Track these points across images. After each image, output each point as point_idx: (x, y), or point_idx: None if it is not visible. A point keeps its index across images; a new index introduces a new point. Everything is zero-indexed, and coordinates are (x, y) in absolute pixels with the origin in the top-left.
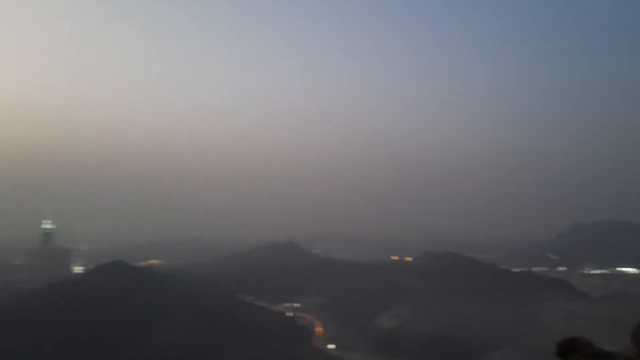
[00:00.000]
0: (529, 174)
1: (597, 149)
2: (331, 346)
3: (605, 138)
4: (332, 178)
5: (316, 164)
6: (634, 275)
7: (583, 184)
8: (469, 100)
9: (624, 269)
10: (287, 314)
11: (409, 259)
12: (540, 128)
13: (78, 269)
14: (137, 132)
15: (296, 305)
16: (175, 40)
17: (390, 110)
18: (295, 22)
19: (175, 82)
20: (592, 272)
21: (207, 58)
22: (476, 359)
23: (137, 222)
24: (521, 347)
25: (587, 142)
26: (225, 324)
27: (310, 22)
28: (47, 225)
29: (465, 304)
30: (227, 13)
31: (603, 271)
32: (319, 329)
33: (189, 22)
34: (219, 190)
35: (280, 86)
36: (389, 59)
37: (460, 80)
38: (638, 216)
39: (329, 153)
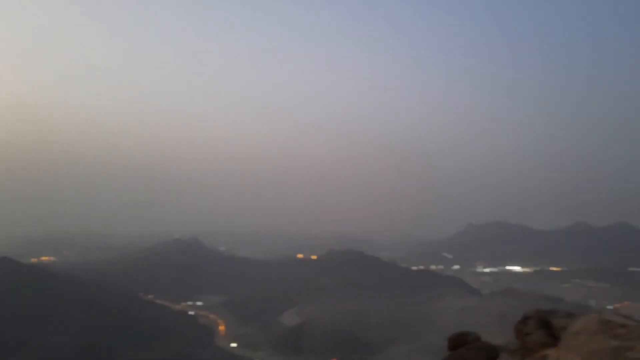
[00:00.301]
0: (429, 176)
1: (489, 153)
2: (234, 345)
3: (499, 145)
4: (238, 174)
5: (222, 159)
6: (519, 273)
7: (478, 187)
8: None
9: (511, 268)
10: (189, 312)
11: (314, 257)
12: (437, 130)
13: None
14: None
15: (199, 303)
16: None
17: (301, 104)
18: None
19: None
20: (484, 270)
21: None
22: (376, 354)
23: (29, 216)
24: (418, 342)
25: (480, 146)
26: (124, 324)
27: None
28: None
29: (367, 301)
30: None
31: (493, 269)
32: (221, 328)
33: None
34: (120, 184)
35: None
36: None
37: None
38: (525, 219)
39: (235, 149)
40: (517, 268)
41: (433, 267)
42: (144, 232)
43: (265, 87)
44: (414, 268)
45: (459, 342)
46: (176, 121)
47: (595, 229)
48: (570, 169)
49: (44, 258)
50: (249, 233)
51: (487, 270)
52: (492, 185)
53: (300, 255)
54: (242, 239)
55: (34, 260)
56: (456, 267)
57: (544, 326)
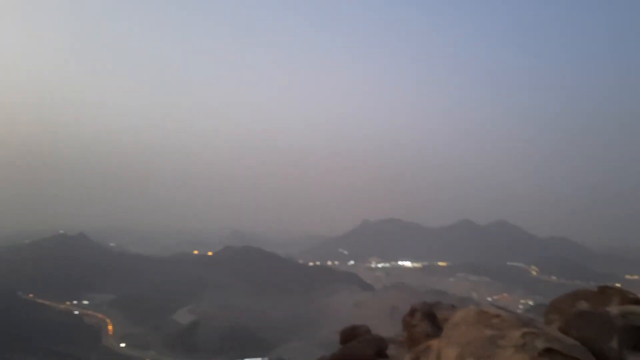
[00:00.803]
0: (326, 173)
1: (388, 152)
2: (123, 345)
3: (397, 145)
4: (133, 167)
5: (115, 151)
6: (410, 268)
7: (373, 186)
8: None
9: (402, 263)
10: (74, 312)
11: (210, 253)
12: (331, 125)
13: None
14: None
15: (85, 302)
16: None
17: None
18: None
19: None
20: (377, 265)
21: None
22: (271, 350)
23: None
24: (313, 337)
25: (380, 143)
26: (2, 325)
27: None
28: None
29: (263, 298)
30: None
31: (386, 264)
32: (110, 327)
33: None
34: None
35: None
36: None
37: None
38: (417, 216)
39: (130, 142)
40: (407, 263)
41: (329, 263)
42: (22, 227)
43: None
44: (311, 264)
45: (350, 336)
46: (62, 110)
47: (478, 227)
48: (457, 170)
49: None
50: (141, 229)
51: (380, 265)
52: (387, 183)
53: (196, 252)
54: (135, 235)
55: None
56: (351, 262)
57: (429, 318)
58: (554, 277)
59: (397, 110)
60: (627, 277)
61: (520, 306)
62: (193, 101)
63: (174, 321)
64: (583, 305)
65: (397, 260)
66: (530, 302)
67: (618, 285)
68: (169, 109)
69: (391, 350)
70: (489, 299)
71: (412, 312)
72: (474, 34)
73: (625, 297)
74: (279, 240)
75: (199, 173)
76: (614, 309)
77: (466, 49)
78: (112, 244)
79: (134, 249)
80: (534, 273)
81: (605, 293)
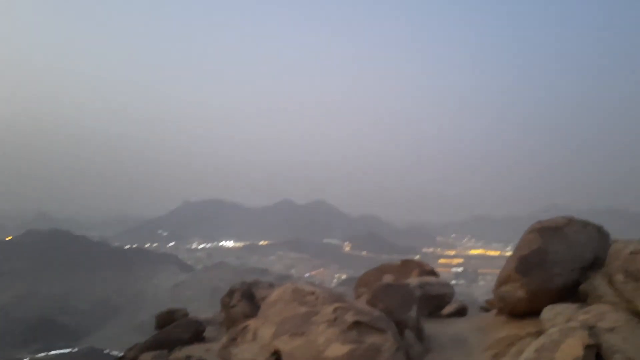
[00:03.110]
0: (147, 153)
1: (204, 135)
2: None
3: (213, 130)
4: None
5: None
6: (231, 248)
7: (192, 166)
8: None
9: (224, 243)
10: None
11: (9, 238)
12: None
13: None
14: None
15: None
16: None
17: None
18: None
19: None
20: (199, 247)
21: None
22: (82, 339)
23: None
24: (129, 323)
25: (190, 127)
26: None
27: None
28: None
29: (73, 284)
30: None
31: (207, 245)
32: None
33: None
34: None
35: None
36: None
37: None
38: (239, 196)
39: None
40: (230, 243)
41: (148, 245)
42: None
43: None
44: (127, 247)
45: (167, 320)
46: None
47: (297, 206)
48: (278, 151)
49: None
50: None
51: (201, 246)
52: (209, 164)
53: None
54: None
55: None
56: (171, 244)
57: (247, 298)
58: (364, 252)
59: (222, 88)
60: (424, 249)
61: (335, 280)
62: None
63: None
64: (388, 279)
65: (219, 241)
66: (344, 276)
67: (417, 257)
68: None
69: (209, 332)
70: (307, 274)
71: (231, 292)
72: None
73: (423, 269)
74: (91, 223)
75: None
76: (413, 280)
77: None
78: None
79: None
80: (347, 249)
81: (406, 266)
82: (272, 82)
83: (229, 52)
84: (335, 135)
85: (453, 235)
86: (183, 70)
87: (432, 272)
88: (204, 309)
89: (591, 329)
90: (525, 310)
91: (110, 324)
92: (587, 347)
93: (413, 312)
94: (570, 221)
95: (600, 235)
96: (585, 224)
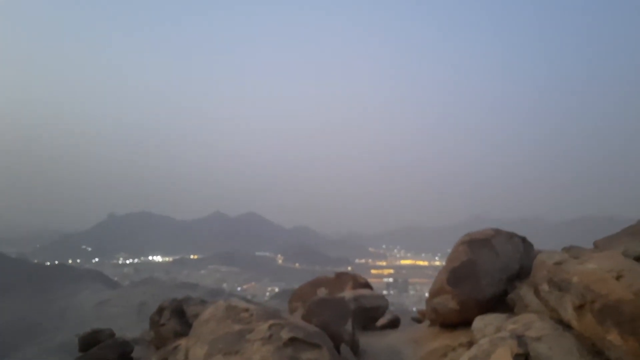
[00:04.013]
0: (70, 166)
1: (134, 147)
2: None
3: (145, 140)
4: None
5: None
6: (161, 262)
7: (119, 177)
8: None
9: (153, 258)
10: None
11: None
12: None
13: None
14: None
15: None
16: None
17: None
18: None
19: None
20: (126, 261)
21: None
22: None
23: None
24: (49, 343)
25: (122, 139)
26: None
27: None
28: None
29: None
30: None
31: (134, 260)
32: None
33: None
34: None
35: None
36: None
37: None
38: (169, 209)
39: None
40: (158, 258)
41: (70, 261)
42: None
43: None
44: (48, 263)
45: (92, 341)
46: None
47: (229, 218)
48: (209, 163)
49: None
50: None
51: (128, 261)
52: (136, 176)
53: None
54: None
55: None
56: (96, 259)
57: (178, 315)
58: (297, 264)
59: (144, 102)
60: (357, 260)
61: (267, 293)
62: None
63: None
64: (322, 292)
65: (147, 256)
66: (276, 289)
67: (349, 268)
68: None
69: (138, 352)
70: (239, 288)
71: (160, 309)
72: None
73: (357, 282)
74: (8, 238)
75: None
76: (348, 293)
77: None
78: None
79: None
80: (280, 261)
81: (340, 279)
82: (204, 94)
83: (146, 55)
84: (268, 146)
85: (384, 245)
86: (99, 81)
87: (367, 285)
88: (131, 328)
89: (520, 339)
90: (457, 321)
91: (29, 345)
92: (516, 356)
93: (348, 326)
94: (497, 233)
95: (525, 245)
96: (511, 235)
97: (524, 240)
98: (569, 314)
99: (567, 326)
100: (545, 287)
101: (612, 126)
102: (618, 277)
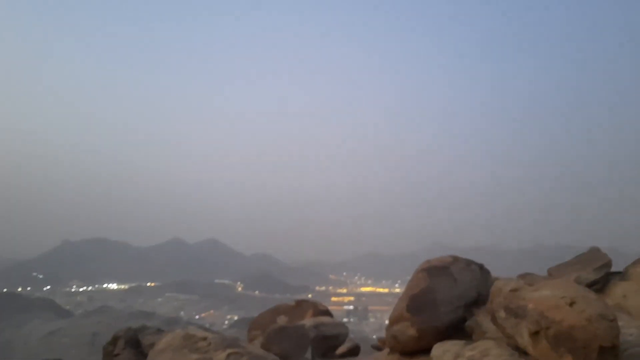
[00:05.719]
0: (19, 190)
1: (90, 170)
2: None
3: (100, 164)
4: None
5: None
6: (115, 290)
7: (73, 202)
8: None
9: (107, 285)
10: None
11: None
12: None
13: None
14: None
15: None
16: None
17: None
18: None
19: None
20: (79, 289)
21: None
22: None
23: None
24: None
25: (77, 162)
26: None
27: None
28: None
29: None
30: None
31: (88, 288)
32: None
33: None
34: None
35: None
36: None
37: None
38: (126, 235)
39: None
40: (113, 285)
41: (20, 289)
42: None
43: None
44: None
45: None
46: None
47: (188, 245)
48: (167, 188)
49: None
50: None
51: (82, 289)
52: (91, 201)
53: None
54: None
55: None
56: (48, 287)
57: (132, 345)
58: (257, 292)
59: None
60: (317, 288)
61: (226, 322)
62: None
63: None
64: (282, 320)
65: (101, 283)
66: (235, 317)
67: (310, 296)
68: None
69: None
70: (197, 316)
71: (114, 339)
72: None
73: (317, 309)
74: None
75: None
76: (308, 321)
77: None
78: None
79: None
80: (240, 289)
81: (301, 307)
82: (160, 117)
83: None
84: (228, 173)
85: (345, 273)
86: (50, 103)
87: (327, 312)
88: (83, 358)
89: None
90: (416, 348)
91: None
92: None
93: (308, 355)
94: (456, 260)
95: (482, 273)
96: (468, 263)
97: (481, 267)
98: (525, 340)
99: (523, 352)
100: (502, 313)
101: (567, 154)
102: (571, 304)
